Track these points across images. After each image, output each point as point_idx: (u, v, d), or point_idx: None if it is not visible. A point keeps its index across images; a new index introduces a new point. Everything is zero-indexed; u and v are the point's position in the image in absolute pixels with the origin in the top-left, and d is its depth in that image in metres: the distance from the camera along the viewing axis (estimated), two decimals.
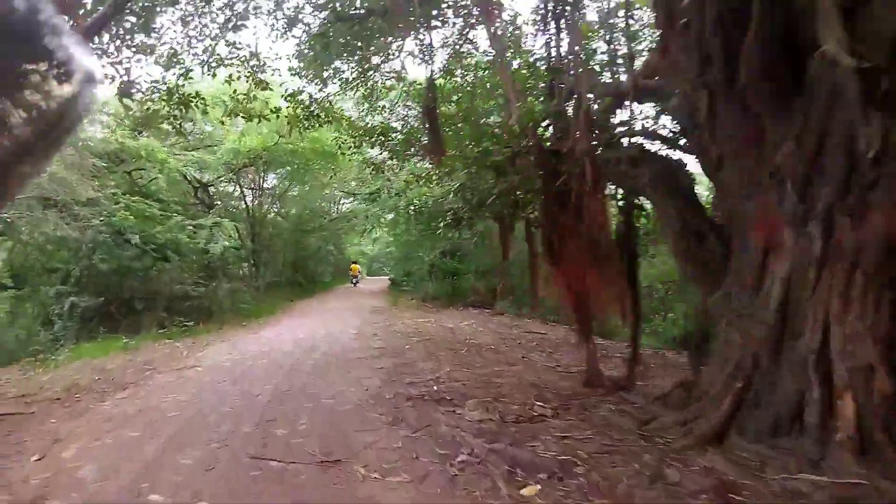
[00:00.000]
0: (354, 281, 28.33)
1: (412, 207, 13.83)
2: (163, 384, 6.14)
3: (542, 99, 7.72)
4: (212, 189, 19.27)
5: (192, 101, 8.28)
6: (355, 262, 30.94)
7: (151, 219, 12.04)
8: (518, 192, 8.09)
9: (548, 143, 6.50)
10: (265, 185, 22.03)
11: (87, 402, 5.46)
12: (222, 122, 15.58)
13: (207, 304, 12.63)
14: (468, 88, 9.55)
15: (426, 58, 8.16)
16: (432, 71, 8.36)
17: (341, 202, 31.37)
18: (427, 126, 7.89)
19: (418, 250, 17.04)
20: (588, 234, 5.12)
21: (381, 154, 12.48)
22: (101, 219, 10.50)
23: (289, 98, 9.50)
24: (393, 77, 10.64)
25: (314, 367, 6.78)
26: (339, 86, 9.79)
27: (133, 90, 7.83)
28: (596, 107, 6.31)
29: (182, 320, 10.87)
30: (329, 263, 29.15)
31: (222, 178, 18.91)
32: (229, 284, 13.48)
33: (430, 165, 11.59)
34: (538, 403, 4.78)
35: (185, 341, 9.58)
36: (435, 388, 5.50)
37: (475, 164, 7.95)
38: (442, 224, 7.84)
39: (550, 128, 7.23)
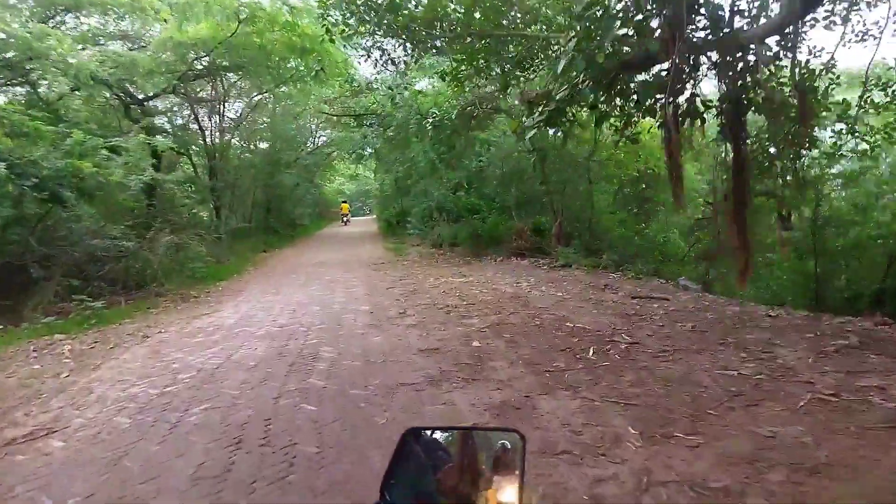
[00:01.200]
0: (345, 219, 27.52)
1: (430, 120, 9.72)
2: None
3: None
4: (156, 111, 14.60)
5: None
6: (345, 202, 29.39)
7: (39, 137, 7.72)
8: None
9: None
10: (227, 112, 17.34)
11: None
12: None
13: (139, 266, 8.62)
14: None
15: None
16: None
17: (318, 135, 26.68)
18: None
19: (424, 181, 12.99)
20: None
21: (394, 43, 8.25)
22: None
23: None
24: None
25: (319, 434, 3.04)
26: None
27: None
28: None
29: (87, 300, 6.89)
30: (307, 204, 24.85)
31: (166, 92, 14.16)
32: (170, 237, 9.39)
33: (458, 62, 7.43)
34: None
35: (83, 338, 5.69)
36: None
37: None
38: (529, 119, 4.28)
39: None
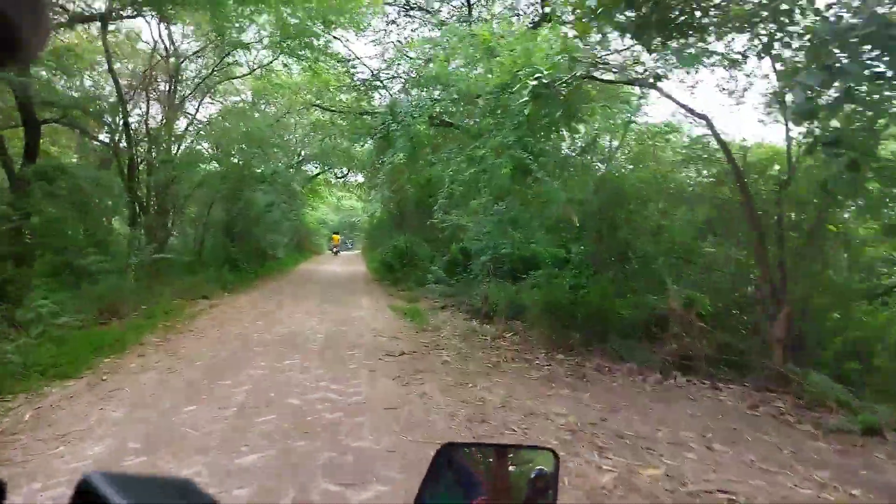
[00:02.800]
0: (336, 250, 28.50)
1: (535, 82, 4.85)
2: None
3: None
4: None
5: None
6: (336, 233, 31.30)
7: None
8: None
9: None
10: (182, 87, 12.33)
11: None
12: None
13: None
14: None
15: None
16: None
17: (304, 145, 21.81)
18: None
19: (478, 201, 7.64)
20: None
21: None
22: None
23: None
24: None
25: None
26: None
27: None
28: None
29: None
30: (283, 232, 19.53)
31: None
32: None
33: None
34: None
35: None
36: None
37: None
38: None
39: None
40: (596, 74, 6.17)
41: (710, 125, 5.94)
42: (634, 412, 4.28)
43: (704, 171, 6.95)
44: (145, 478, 0.53)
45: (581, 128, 6.50)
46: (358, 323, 8.04)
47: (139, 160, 9.86)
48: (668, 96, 6.06)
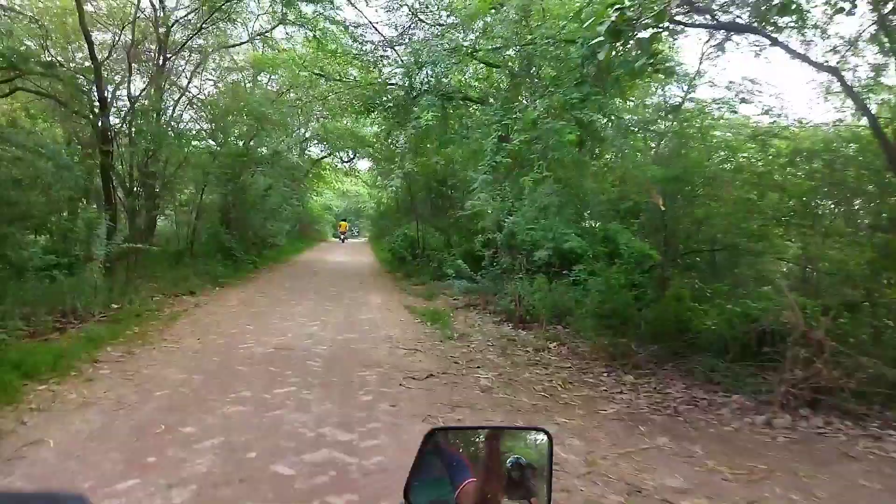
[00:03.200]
0: (343, 237, 28.26)
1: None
2: None
3: None
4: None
5: None
6: (344, 220, 30.78)
7: None
8: None
9: None
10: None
11: None
12: None
13: None
14: None
15: None
16: None
17: (309, 125, 20.34)
18: None
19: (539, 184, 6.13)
20: None
21: None
22: None
23: None
24: None
25: None
26: None
27: None
28: None
29: None
30: (285, 219, 18.11)
31: None
32: None
33: None
34: None
35: None
36: None
37: None
38: None
39: None
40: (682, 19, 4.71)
41: (839, 78, 4.49)
42: (787, 484, 2.89)
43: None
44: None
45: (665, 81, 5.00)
46: (369, 328, 6.68)
47: (112, 132, 8.42)
48: (785, 47, 4.58)
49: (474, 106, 9.28)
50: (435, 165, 11.76)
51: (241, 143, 13.69)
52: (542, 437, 0.94)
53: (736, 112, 7.00)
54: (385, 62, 11.11)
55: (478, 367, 5.08)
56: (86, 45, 8.39)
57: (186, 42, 10.21)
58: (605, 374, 5.08)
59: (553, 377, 4.91)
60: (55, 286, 6.16)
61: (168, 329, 6.05)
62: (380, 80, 10.61)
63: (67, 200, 6.85)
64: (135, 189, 9.28)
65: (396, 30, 10.49)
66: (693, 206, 6.07)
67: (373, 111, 14.15)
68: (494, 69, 6.31)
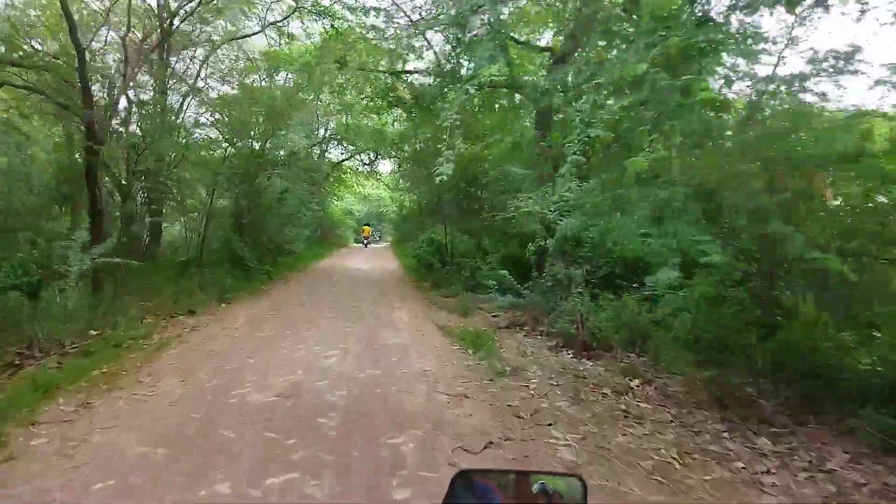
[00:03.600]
0: (366, 242, 27.56)
1: None
2: None
3: None
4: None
5: None
6: (367, 225, 29.84)
7: None
8: None
9: None
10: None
11: None
12: None
13: None
14: None
15: None
16: None
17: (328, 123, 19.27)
18: None
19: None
20: None
21: None
22: None
23: None
24: None
25: None
26: None
27: None
28: None
29: None
30: (304, 224, 16.97)
31: None
32: None
33: None
34: None
35: None
36: None
37: None
38: None
39: None
40: None
41: None
42: None
43: None
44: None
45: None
46: (398, 359, 5.36)
47: (96, 124, 7.33)
48: None
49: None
50: (481, 152, 10.53)
51: (256, 144, 12.62)
52: (576, 483, 0.91)
53: (843, 87, 5.53)
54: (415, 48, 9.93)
55: (549, 425, 3.71)
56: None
57: (186, 17, 9.10)
58: (726, 434, 3.66)
59: (657, 440, 3.51)
60: (18, 310, 5.06)
61: (149, 364, 4.84)
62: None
63: (32, 210, 5.74)
64: (130, 192, 8.20)
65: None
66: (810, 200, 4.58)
67: (395, 106, 12.94)
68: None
